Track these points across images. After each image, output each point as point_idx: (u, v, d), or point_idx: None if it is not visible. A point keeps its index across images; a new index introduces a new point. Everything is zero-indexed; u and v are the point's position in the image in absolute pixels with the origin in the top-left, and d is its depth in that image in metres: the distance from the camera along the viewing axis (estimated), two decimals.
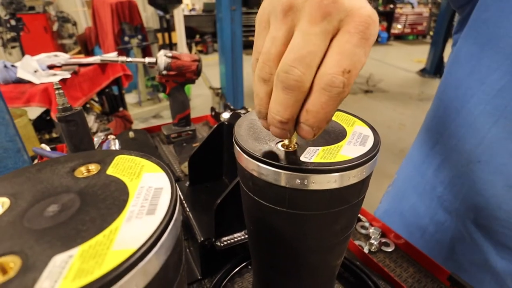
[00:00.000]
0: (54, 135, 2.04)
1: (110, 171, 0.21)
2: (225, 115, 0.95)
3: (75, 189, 0.20)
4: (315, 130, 0.23)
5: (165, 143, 0.95)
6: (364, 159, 0.26)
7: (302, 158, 0.25)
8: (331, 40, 0.22)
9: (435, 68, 5.26)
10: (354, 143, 0.28)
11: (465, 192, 0.55)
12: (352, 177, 0.26)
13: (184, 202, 0.55)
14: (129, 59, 0.83)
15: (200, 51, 7.05)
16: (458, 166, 0.56)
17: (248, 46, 7.09)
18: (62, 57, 1.95)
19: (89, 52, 3.98)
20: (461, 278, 0.48)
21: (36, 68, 1.63)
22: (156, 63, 0.85)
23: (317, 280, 0.34)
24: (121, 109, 2.32)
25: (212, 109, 1.06)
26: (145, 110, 3.60)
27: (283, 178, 0.25)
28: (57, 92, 0.52)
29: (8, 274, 0.14)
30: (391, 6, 8.40)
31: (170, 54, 0.85)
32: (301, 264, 0.32)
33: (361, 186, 0.27)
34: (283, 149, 0.27)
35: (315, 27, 0.21)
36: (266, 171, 0.26)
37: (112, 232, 0.16)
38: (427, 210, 0.63)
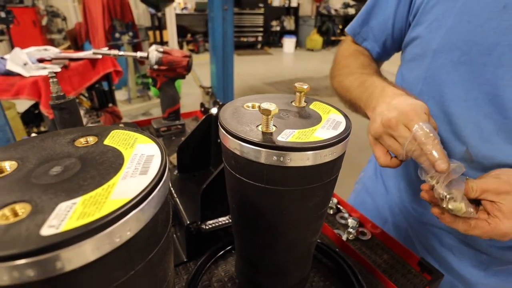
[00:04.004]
0: (42, 128, 2.02)
1: (107, 141, 0.24)
2: (214, 111, 0.98)
3: (76, 155, 0.22)
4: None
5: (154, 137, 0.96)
6: (336, 140, 0.29)
7: (279, 138, 0.28)
8: None
9: None
10: (328, 128, 0.31)
11: (407, 186, 0.65)
12: (324, 155, 0.29)
13: (172, 189, 0.57)
14: (121, 53, 0.85)
15: (191, 50, 7.04)
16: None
17: (239, 46, 7.11)
18: (52, 51, 1.95)
19: (78, 48, 3.93)
20: (429, 263, 0.52)
21: (26, 61, 1.62)
22: (147, 57, 0.87)
23: (294, 254, 0.37)
24: (110, 104, 2.32)
25: (202, 104, 1.09)
26: (135, 107, 3.59)
27: (262, 155, 0.28)
28: (51, 80, 0.54)
29: (20, 216, 0.16)
30: None
31: (161, 49, 0.87)
32: (278, 239, 0.35)
33: (333, 165, 0.31)
34: (262, 130, 0.30)
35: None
36: (247, 149, 0.29)
37: (110, 186, 0.19)
38: (386, 203, 0.72)
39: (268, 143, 0.28)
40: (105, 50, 0.85)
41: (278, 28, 7.92)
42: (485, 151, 0.49)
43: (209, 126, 0.60)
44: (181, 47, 6.70)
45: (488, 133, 0.48)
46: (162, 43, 4.04)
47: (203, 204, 0.48)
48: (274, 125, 0.30)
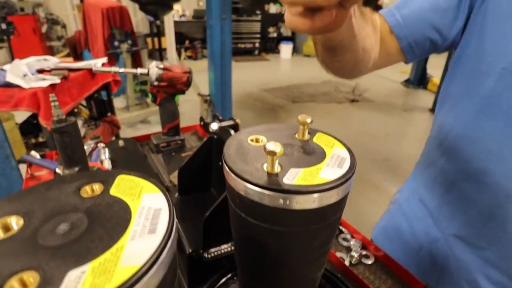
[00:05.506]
0: (40, 139, 2.01)
1: (113, 191, 0.24)
2: (214, 126, 0.98)
3: (82, 208, 0.22)
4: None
5: (154, 152, 0.96)
6: (341, 181, 0.29)
7: (285, 180, 0.28)
8: None
9: (418, 79, 5.42)
10: (332, 165, 0.31)
11: (452, 211, 0.59)
12: (330, 197, 0.29)
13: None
14: (121, 70, 0.85)
15: (190, 57, 7.06)
16: (445, 185, 0.60)
17: (237, 52, 7.14)
18: (51, 61, 1.94)
19: (78, 55, 3.94)
20: None
21: (25, 72, 1.62)
22: (148, 74, 0.87)
23: None
24: (109, 114, 2.31)
25: (201, 119, 1.09)
26: (133, 115, 3.59)
27: (267, 198, 0.28)
28: (52, 104, 0.54)
29: None
30: None
31: (162, 66, 0.87)
32: (283, 276, 0.34)
33: (338, 205, 0.31)
34: (268, 170, 0.30)
35: None
36: (252, 191, 0.29)
37: (119, 250, 0.18)
38: (423, 228, 0.65)
39: (274, 186, 0.28)
40: (102, 61, 0.85)
41: (275, 35, 7.97)
42: None
43: (210, 147, 0.60)
44: (179, 53, 6.72)
45: None
46: (161, 49, 4.05)
47: (206, 232, 0.47)
48: (279, 164, 0.30)
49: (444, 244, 0.61)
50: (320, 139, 0.36)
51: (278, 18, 7.89)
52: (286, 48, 7.57)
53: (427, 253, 0.64)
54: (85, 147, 0.88)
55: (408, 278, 0.54)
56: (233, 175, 0.30)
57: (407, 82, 5.57)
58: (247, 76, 4.28)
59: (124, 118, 3.42)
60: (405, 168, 2.79)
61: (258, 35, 7.62)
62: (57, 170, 0.78)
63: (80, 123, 2.04)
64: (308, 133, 0.37)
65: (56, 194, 0.23)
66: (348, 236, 0.65)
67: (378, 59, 0.55)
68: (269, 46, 8.04)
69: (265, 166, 0.30)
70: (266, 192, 0.28)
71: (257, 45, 7.69)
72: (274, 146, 0.28)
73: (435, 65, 5.02)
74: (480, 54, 0.51)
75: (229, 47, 2.82)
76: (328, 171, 0.30)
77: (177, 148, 0.97)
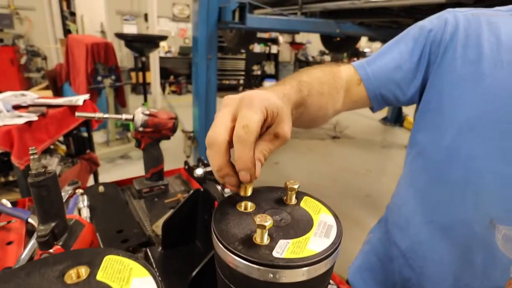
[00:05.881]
0: (10, 178, 1.92)
1: (100, 275, 0.23)
2: (199, 171, 0.97)
3: None
4: (248, 171, 0.34)
5: (136, 198, 0.94)
6: (328, 253, 0.29)
7: (274, 253, 0.28)
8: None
9: (395, 117, 5.66)
10: (320, 235, 0.32)
11: (424, 250, 0.63)
12: (319, 269, 0.29)
13: (155, 270, 0.55)
14: (106, 115, 0.85)
15: (174, 92, 7.14)
16: (418, 225, 0.64)
17: (221, 89, 7.29)
18: (29, 97, 1.91)
19: (57, 89, 3.90)
20: None
21: (1, 108, 1.58)
22: (133, 119, 0.87)
23: None
24: (88, 151, 2.26)
25: (186, 163, 1.08)
26: (113, 150, 3.52)
27: (257, 272, 0.28)
28: (31, 157, 0.52)
29: None
30: (355, 59, 9.13)
31: (147, 112, 0.88)
32: None
33: (326, 275, 0.31)
34: (257, 242, 0.30)
35: (221, 111, 0.36)
36: (241, 265, 0.28)
37: None
38: (396, 268, 0.68)
39: (263, 260, 0.28)
40: (89, 113, 0.85)
41: (259, 72, 8.23)
42: (510, 224, 0.48)
43: (196, 201, 0.60)
44: (163, 88, 6.79)
45: None
46: (145, 84, 4.08)
47: None
48: (268, 234, 0.31)
49: (416, 284, 0.64)
50: (307, 204, 0.37)
51: (262, 57, 8.21)
52: (269, 85, 7.77)
53: None
54: (63, 194, 0.85)
55: None
56: (222, 248, 0.30)
57: (385, 120, 5.80)
58: None
59: (103, 153, 3.35)
60: (386, 204, 2.82)
61: (243, 72, 7.85)
62: (30, 220, 0.74)
63: (55, 160, 1.98)
64: (296, 197, 0.37)
65: (37, 281, 0.22)
66: (335, 287, 0.64)
67: (341, 107, 0.62)
68: (253, 83, 8.26)
69: (254, 237, 0.30)
70: (256, 266, 0.28)
71: (241, 81, 7.90)
72: (264, 220, 0.29)
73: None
74: (440, 110, 0.57)
75: (215, 85, 2.87)
76: (316, 241, 0.31)
77: (160, 193, 0.96)
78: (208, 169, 1.01)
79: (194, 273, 0.45)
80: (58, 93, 3.83)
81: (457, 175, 0.55)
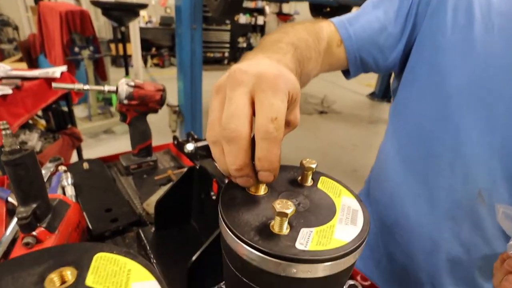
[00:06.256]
0: None
1: (91, 280, 0.18)
2: (189, 147, 0.92)
3: None
4: (273, 172, 0.28)
5: (123, 175, 0.88)
6: (359, 242, 0.25)
7: (298, 245, 0.24)
8: (252, 101, 0.28)
9: (383, 92, 5.66)
10: (345, 221, 0.28)
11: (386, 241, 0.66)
12: (347, 262, 0.25)
13: (149, 251, 0.51)
14: (86, 87, 0.77)
15: (156, 64, 6.88)
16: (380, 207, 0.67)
17: (206, 61, 7.06)
18: (2, 69, 1.77)
19: (32, 61, 3.66)
20: None
21: None
22: (116, 91, 0.80)
23: None
24: (69, 126, 2.15)
25: (175, 138, 1.02)
26: (96, 125, 3.38)
27: (278, 267, 0.24)
28: (3, 132, 0.46)
29: None
30: None
31: (132, 83, 0.80)
32: None
33: (351, 267, 0.27)
34: (275, 231, 0.26)
35: (235, 91, 0.28)
36: (258, 258, 0.24)
37: None
38: (381, 242, 0.69)
39: (286, 254, 0.23)
40: (62, 69, 0.77)
41: (244, 45, 7.98)
42: (496, 195, 0.49)
43: (191, 178, 0.55)
44: (145, 61, 6.52)
45: (499, 178, 0.49)
46: (126, 56, 3.88)
47: (190, 280, 0.42)
48: (287, 222, 0.26)
49: (402, 257, 0.65)
50: (325, 185, 0.33)
51: (248, 28, 7.93)
52: None
53: (387, 265, 0.68)
54: (43, 172, 0.79)
55: None
56: (235, 238, 0.25)
57: (372, 95, 5.79)
58: None
59: (85, 129, 3.22)
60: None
61: (228, 45, 7.59)
62: (10, 199, 0.69)
63: (35, 136, 1.87)
64: (312, 178, 0.33)
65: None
66: None
67: (318, 71, 0.57)
68: (239, 56, 8.02)
69: (272, 224, 0.26)
70: (277, 260, 0.24)
71: (226, 54, 7.66)
72: (285, 206, 0.24)
73: None
74: (428, 79, 0.55)
75: (200, 57, 2.75)
76: (342, 229, 0.27)
77: (149, 170, 0.90)
78: (200, 144, 0.95)
79: (194, 258, 0.41)
80: (33, 65, 3.61)
81: (446, 146, 0.53)
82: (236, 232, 0.25)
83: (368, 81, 6.30)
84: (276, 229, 0.25)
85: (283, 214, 0.24)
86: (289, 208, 0.24)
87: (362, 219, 0.28)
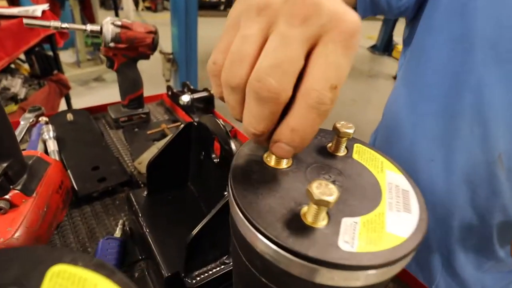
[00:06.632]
0: None
1: None
2: (185, 98, 0.83)
3: None
4: (297, 150, 0.20)
5: (112, 128, 0.81)
6: (421, 237, 0.19)
7: (342, 244, 0.18)
8: (311, 49, 0.19)
9: (384, 46, 5.42)
10: (397, 207, 0.21)
11: None
12: (403, 264, 0.19)
13: (141, 218, 0.45)
14: (64, 25, 0.66)
15: (148, 8, 6.43)
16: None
17: (201, 6, 6.60)
18: None
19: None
20: None
21: None
22: (101, 32, 0.69)
23: None
24: (55, 72, 2.00)
25: (169, 88, 0.93)
26: (85, 72, 3.21)
27: (314, 273, 0.17)
28: None
29: None
30: None
31: (119, 23, 0.69)
32: None
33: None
34: (308, 222, 0.19)
35: (294, 30, 0.18)
36: (286, 260, 0.18)
37: None
38: None
39: (328, 258, 0.17)
40: (42, 7, 0.66)
41: None
42: None
43: (189, 136, 0.48)
44: (136, 3, 6.07)
45: None
46: None
47: (190, 254, 0.36)
48: (327, 212, 0.19)
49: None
50: (362, 156, 0.26)
51: None
52: None
53: None
54: (22, 123, 0.71)
55: (411, 281, 0.49)
56: (254, 232, 0.19)
57: (374, 48, 5.56)
58: (212, 32, 3.95)
59: (74, 75, 3.06)
60: (370, 135, 2.84)
61: None
62: None
63: (19, 82, 1.74)
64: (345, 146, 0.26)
65: None
66: None
67: None
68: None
69: (303, 212, 0.19)
70: (314, 266, 0.17)
71: None
72: (326, 192, 0.17)
73: (402, 33, 5.04)
74: (448, 27, 0.49)
75: (195, 1, 2.53)
76: (395, 219, 0.20)
77: (141, 123, 0.82)
78: (196, 96, 0.87)
79: (194, 233, 0.35)
80: (13, 3, 3.31)
81: (466, 104, 0.48)
82: (258, 225, 0.18)
83: (369, 33, 6.00)
84: (309, 220, 0.19)
85: (324, 203, 0.17)
86: (332, 194, 0.17)
87: (417, 204, 0.21)
